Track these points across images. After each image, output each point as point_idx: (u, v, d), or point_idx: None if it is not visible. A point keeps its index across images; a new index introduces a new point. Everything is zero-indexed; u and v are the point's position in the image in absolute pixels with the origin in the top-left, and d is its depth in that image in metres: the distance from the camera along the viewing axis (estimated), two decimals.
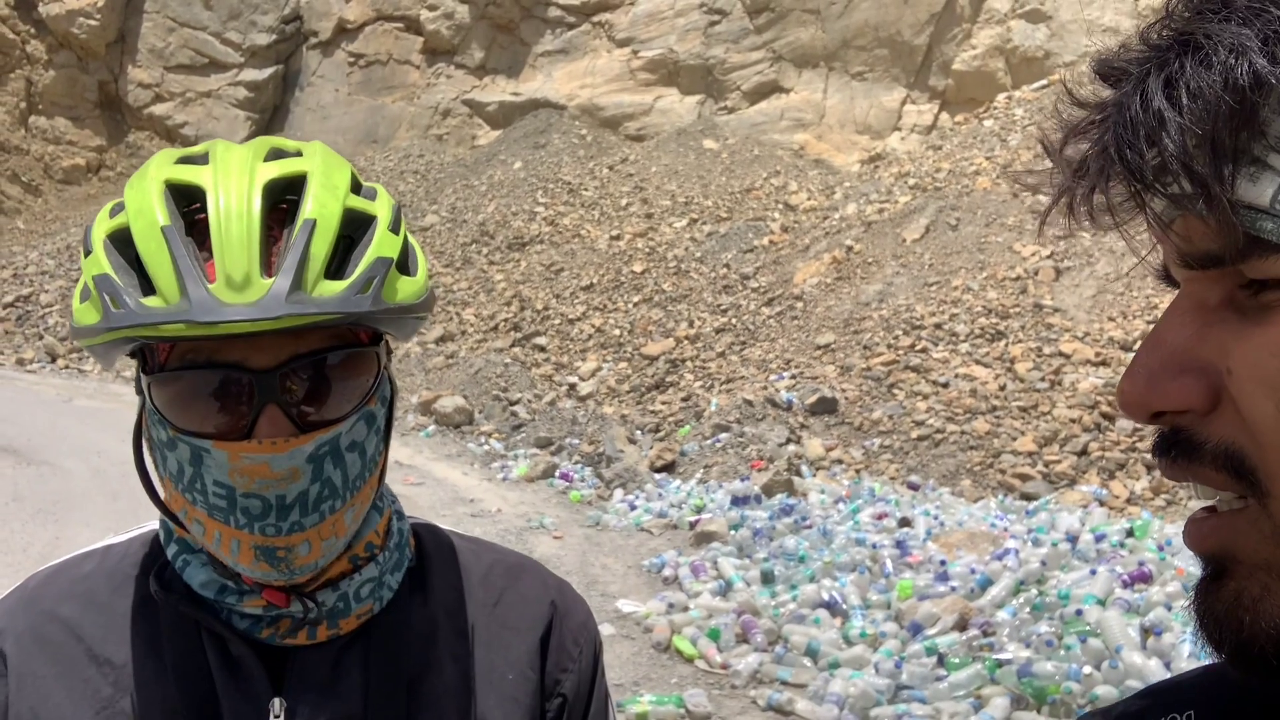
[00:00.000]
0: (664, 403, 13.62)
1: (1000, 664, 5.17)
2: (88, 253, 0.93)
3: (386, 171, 24.56)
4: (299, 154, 0.98)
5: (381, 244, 0.93)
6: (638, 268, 18.74)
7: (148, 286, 0.88)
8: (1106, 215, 0.56)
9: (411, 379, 16.01)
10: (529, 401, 14.50)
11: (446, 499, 10.00)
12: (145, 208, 0.90)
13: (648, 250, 19.36)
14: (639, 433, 12.49)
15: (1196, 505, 0.58)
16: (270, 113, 27.46)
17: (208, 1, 27.08)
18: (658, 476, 10.62)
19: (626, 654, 6.16)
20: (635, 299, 17.76)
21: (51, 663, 1.00)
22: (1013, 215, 15.79)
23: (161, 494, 0.99)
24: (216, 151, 0.96)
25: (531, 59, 26.19)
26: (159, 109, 26.62)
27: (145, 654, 0.99)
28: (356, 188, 0.98)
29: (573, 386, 15.25)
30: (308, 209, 0.90)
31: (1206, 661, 0.67)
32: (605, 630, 6.46)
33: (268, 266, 0.88)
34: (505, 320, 17.86)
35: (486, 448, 12.67)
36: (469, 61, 26.56)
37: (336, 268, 0.91)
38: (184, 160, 0.96)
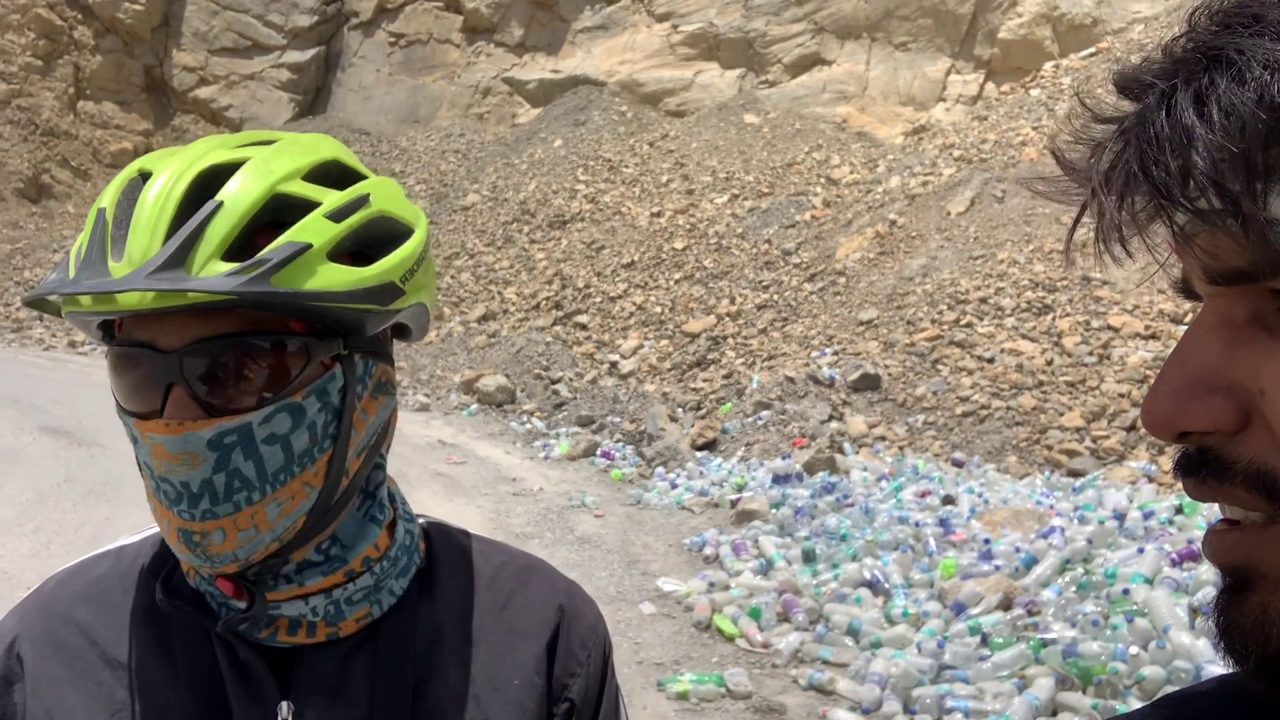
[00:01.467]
0: (705, 380, 13.57)
1: (1045, 644, 5.10)
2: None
3: (428, 151, 24.64)
4: (312, 148, 0.98)
5: (304, 229, 0.90)
6: (679, 245, 18.67)
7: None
8: (1132, 230, 0.54)
9: (454, 358, 16.08)
10: (570, 380, 14.53)
11: (489, 478, 10.05)
12: (106, 193, 0.93)
13: (689, 227, 19.27)
14: (680, 410, 12.46)
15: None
16: (313, 94, 27.63)
17: None
18: (699, 455, 10.60)
19: (667, 632, 6.16)
20: (676, 276, 17.70)
21: (67, 666, 1.00)
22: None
23: None
24: (204, 139, 0.98)
25: (571, 35, 26.09)
26: (203, 92, 26.86)
27: (157, 658, 1.00)
28: (329, 177, 0.97)
29: (614, 364, 15.25)
30: (222, 192, 0.90)
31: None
32: (645, 609, 6.47)
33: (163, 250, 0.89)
34: (547, 299, 17.88)
35: (528, 426, 12.72)
36: (509, 39, 26.52)
37: (246, 252, 0.89)
38: (189, 150, 0.96)
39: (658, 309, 16.76)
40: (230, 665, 0.99)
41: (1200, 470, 0.54)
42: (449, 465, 10.42)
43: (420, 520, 1.15)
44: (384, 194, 0.98)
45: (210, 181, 0.90)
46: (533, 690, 1.08)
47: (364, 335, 0.97)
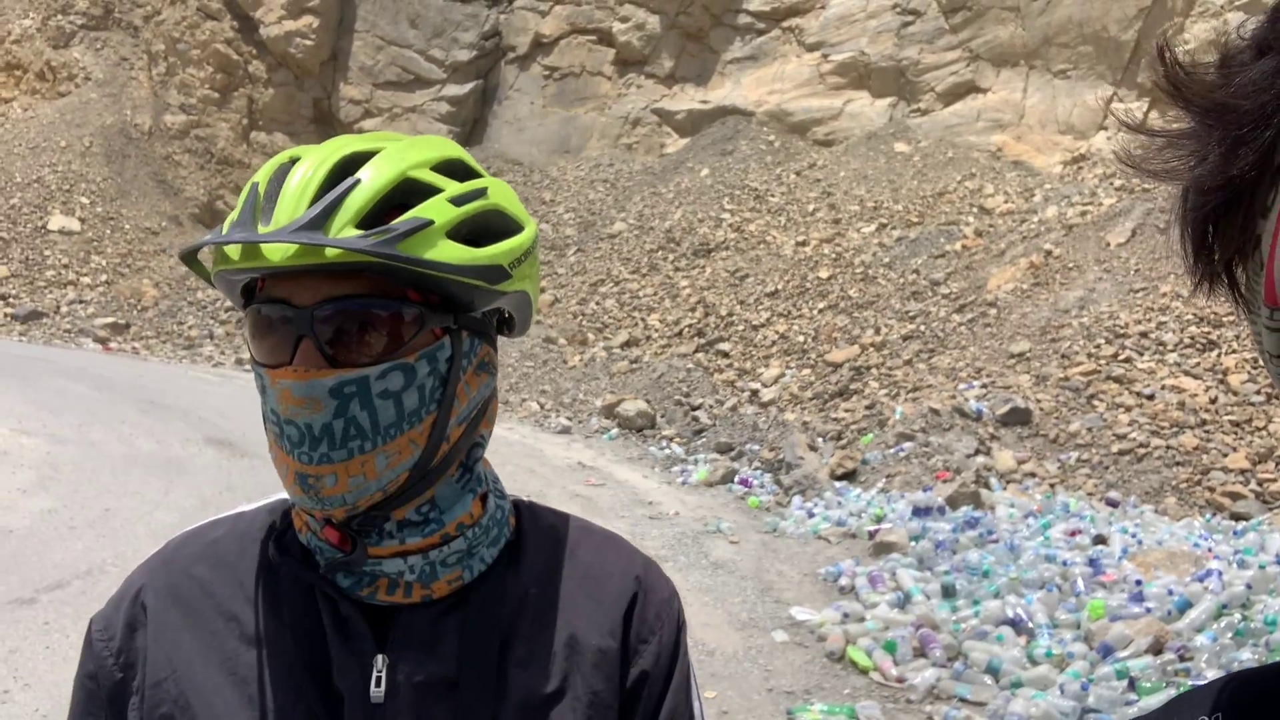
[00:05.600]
0: (847, 410, 13.37)
1: None
2: None
3: (577, 180, 25.07)
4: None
5: (428, 208, 1.01)
6: (823, 274, 18.49)
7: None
8: None
9: (596, 382, 16.26)
10: (710, 407, 14.51)
11: (626, 500, 10.11)
12: (264, 168, 1.05)
13: (834, 256, 19.08)
14: (820, 440, 12.30)
15: None
16: (470, 125, 28.47)
17: (414, 20, 28.33)
18: (837, 484, 10.44)
19: (799, 661, 6.07)
20: (820, 305, 17.52)
21: (185, 615, 1.10)
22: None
23: None
24: (348, 138, 1.09)
25: (720, 66, 26.22)
26: (368, 124, 27.98)
27: (267, 613, 1.09)
28: (453, 172, 1.08)
29: (755, 392, 15.17)
30: (366, 173, 1.01)
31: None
32: (778, 637, 6.39)
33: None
34: (689, 326, 17.92)
35: (667, 451, 12.75)
36: (659, 71, 26.82)
37: (374, 223, 0.99)
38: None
39: (800, 338, 16.62)
40: (332, 620, 1.07)
41: None
42: (587, 487, 10.52)
43: (512, 497, 1.22)
44: (501, 192, 1.09)
45: (349, 166, 1.02)
46: (608, 653, 1.14)
47: (472, 313, 1.07)
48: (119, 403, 12.59)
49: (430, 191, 1.03)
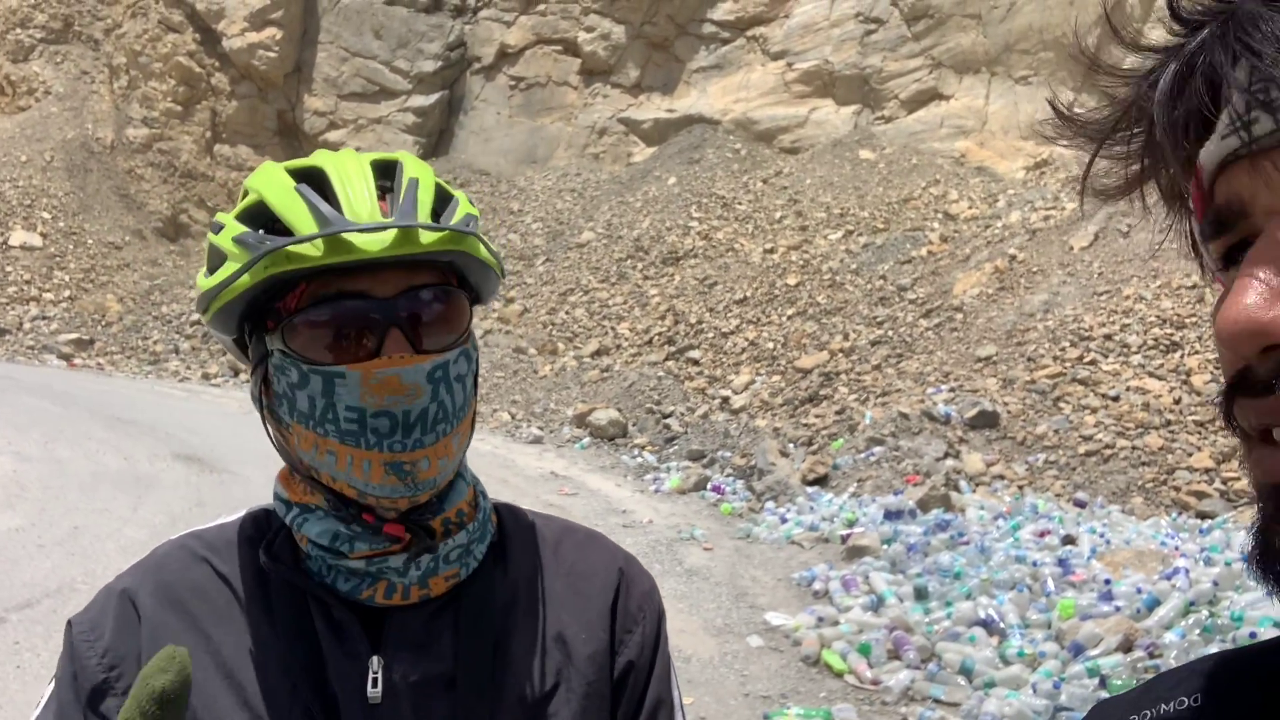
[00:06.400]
0: (817, 416, 13.45)
1: None
2: (218, 231, 1.07)
3: (545, 190, 25.07)
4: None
5: (466, 205, 1.09)
6: (792, 280, 18.60)
7: (285, 233, 1.02)
8: (1180, 155, 0.55)
9: (567, 392, 16.27)
10: (682, 414, 14.55)
11: (599, 509, 10.12)
12: (274, 181, 1.06)
13: (802, 263, 19.19)
14: (791, 446, 12.37)
15: None
16: (436, 136, 28.41)
17: (378, 31, 28.26)
18: (809, 490, 10.50)
19: (775, 666, 6.11)
20: (789, 312, 17.62)
21: (180, 617, 1.10)
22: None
23: (288, 448, 1.11)
24: (323, 153, 1.12)
25: (686, 75, 26.32)
26: (333, 135, 27.86)
27: (259, 618, 1.10)
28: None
29: (725, 400, 15.22)
30: (411, 172, 1.07)
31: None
32: (753, 642, 6.42)
33: (383, 210, 1.04)
34: (659, 334, 17.96)
35: (639, 460, 12.77)
36: (625, 80, 26.89)
37: (436, 215, 1.06)
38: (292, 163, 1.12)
39: (770, 345, 16.70)
40: (325, 623, 1.08)
41: (1276, 388, 0.51)
42: (561, 496, 10.53)
43: (494, 500, 1.25)
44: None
45: (383, 172, 1.08)
46: (597, 644, 1.17)
47: (482, 303, 1.16)
48: (85, 419, 12.46)
49: (449, 197, 1.10)
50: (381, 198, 1.06)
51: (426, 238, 1.01)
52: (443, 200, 1.09)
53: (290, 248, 1.00)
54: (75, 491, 9.08)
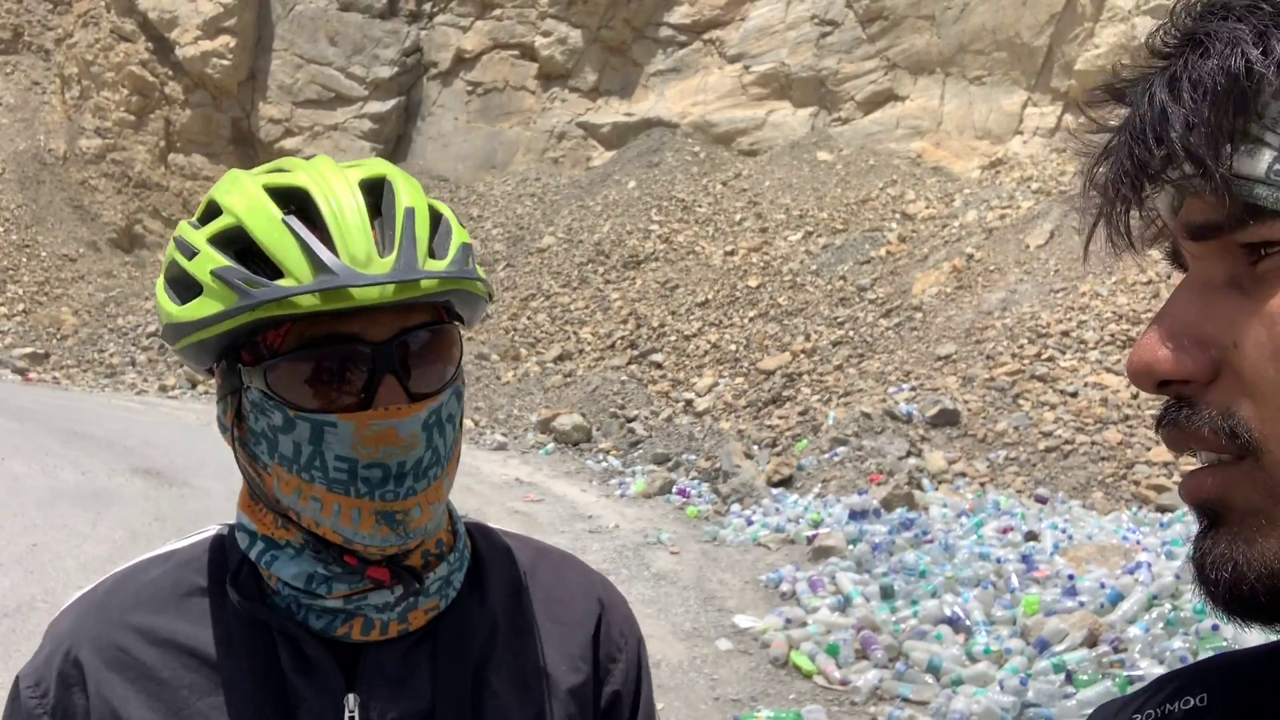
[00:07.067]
0: (781, 417, 13.51)
1: (1132, 681, 4.97)
2: (190, 255, 0.99)
3: (504, 196, 25.01)
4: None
5: (460, 233, 1.03)
6: (753, 282, 18.67)
7: (274, 273, 0.95)
8: (1149, 228, 0.62)
9: (530, 398, 16.23)
10: (646, 418, 14.56)
11: (565, 515, 10.10)
12: (257, 207, 0.97)
13: (762, 265, 19.27)
14: (756, 448, 12.41)
15: None
16: (394, 143, 28.25)
17: (333, 38, 28.06)
18: (775, 491, 10.54)
19: (744, 669, 6.12)
20: (751, 314, 17.68)
21: (126, 668, 1.02)
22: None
23: (263, 485, 1.03)
24: (296, 162, 1.05)
25: (644, 79, 26.36)
26: (289, 143, 27.63)
27: (220, 659, 1.03)
28: None
29: (689, 402, 15.25)
30: (404, 200, 1.00)
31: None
32: (722, 645, 6.43)
33: (380, 246, 0.97)
34: (622, 338, 17.97)
35: (604, 464, 12.76)
36: (582, 85, 26.88)
37: (432, 251, 1.00)
38: (272, 170, 1.04)
39: (732, 347, 16.75)
40: (294, 662, 1.02)
41: (1175, 418, 0.59)
42: (526, 503, 10.49)
43: (464, 520, 1.19)
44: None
45: (370, 191, 1.01)
46: (580, 677, 1.13)
47: (468, 328, 1.10)
48: (41, 434, 12.26)
49: (439, 215, 1.04)
50: (370, 219, 0.99)
51: (429, 283, 0.96)
52: (435, 226, 1.02)
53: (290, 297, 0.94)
54: (32, 508, 8.93)
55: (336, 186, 0.99)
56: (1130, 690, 0.80)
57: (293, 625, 1.02)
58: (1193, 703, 0.69)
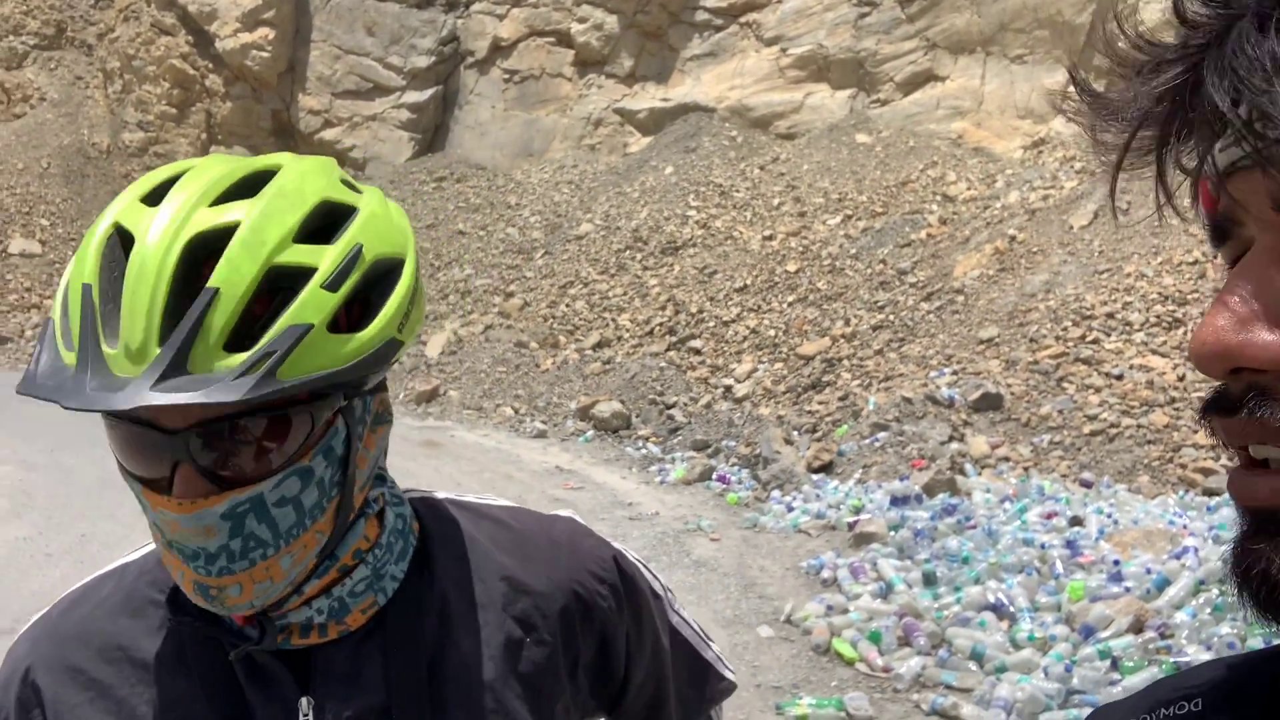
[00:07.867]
0: (821, 402, 13.43)
1: (1179, 667, 4.90)
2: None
3: (542, 183, 25.04)
4: (272, 171, 0.95)
5: (304, 307, 0.87)
6: (791, 267, 18.57)
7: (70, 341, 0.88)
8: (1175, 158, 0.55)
9: (569, 385, 16.26)
10: (685, 405, 14.54)
11: (605, 503, 10.12)
12: (82, 255, 0.89)
13: (801, 249, 19.16)
14: (796, 433, 12.36)
15: None
16: (431, 132, 28.36)
17: (370, 28, 28.19)
18: (815, 477, 10.49)
19: (785, 656, 6.11)
20: (790, 299, 17.59)
21: (83, 689, 1.03)
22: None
23: None
24: (181, 183, 0.92)
25: (680, 64, 26.26)
26: (328, 134, 27.82)
27: (173, 671, 1.03)
28: (325, 223, 0.93)
29: (728, 389, 15.21)
30: (215, 276, 0.86)
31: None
32: (763, 632, 6.41)
33: (168, 333, 0.84)
34: (660, 325, 17.95)
35: (644, 451, 12.76)
36: (619, 70, 26.84)
37: (246, 334, 0.87)
38: (154, 189, 0.93)
39: (771, 332, 16.68)
40: (246, 670, 1.01)
41: (1242, 409, 0.52)
42: (566, 490, 10.53)
43: (410, 496, 1.14)
44: (373, 233, 0.95)
45: (198, 252, 0.87)
46: (549, 640, 1.10)
47: (364, 389, 0.98)
48: (89, 425, 12.43)
49: (301, 274, 0.88)
50: (194, 296, 0.86)
51: (179, 400, 0.82)
52: (283, 290, 0.88)
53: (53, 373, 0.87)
54: (82, 498, 9.09)
55: (158, 241, 0.86)
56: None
57: (238, 637, 1.01)
58: (1187, 708, 0.67)
